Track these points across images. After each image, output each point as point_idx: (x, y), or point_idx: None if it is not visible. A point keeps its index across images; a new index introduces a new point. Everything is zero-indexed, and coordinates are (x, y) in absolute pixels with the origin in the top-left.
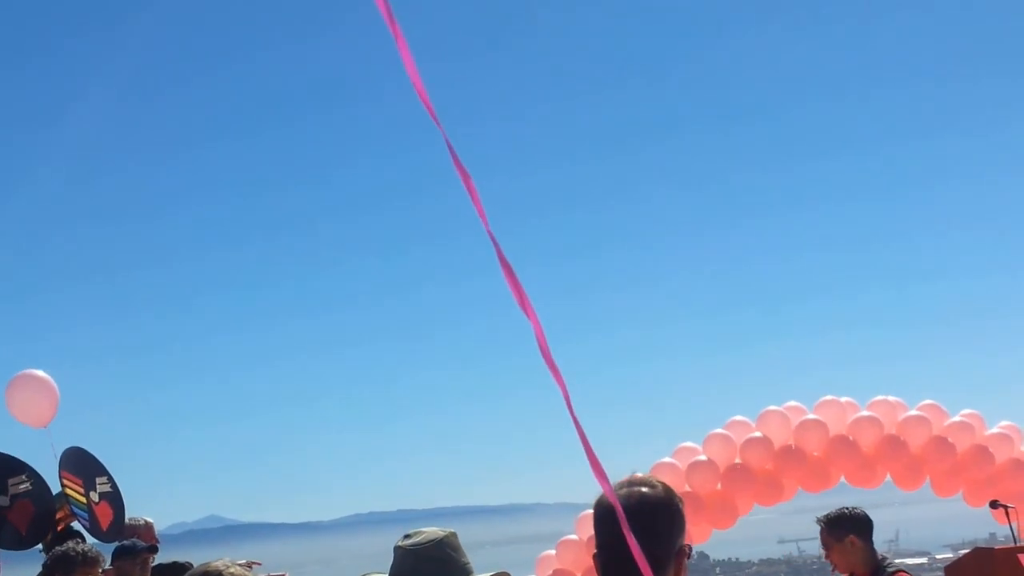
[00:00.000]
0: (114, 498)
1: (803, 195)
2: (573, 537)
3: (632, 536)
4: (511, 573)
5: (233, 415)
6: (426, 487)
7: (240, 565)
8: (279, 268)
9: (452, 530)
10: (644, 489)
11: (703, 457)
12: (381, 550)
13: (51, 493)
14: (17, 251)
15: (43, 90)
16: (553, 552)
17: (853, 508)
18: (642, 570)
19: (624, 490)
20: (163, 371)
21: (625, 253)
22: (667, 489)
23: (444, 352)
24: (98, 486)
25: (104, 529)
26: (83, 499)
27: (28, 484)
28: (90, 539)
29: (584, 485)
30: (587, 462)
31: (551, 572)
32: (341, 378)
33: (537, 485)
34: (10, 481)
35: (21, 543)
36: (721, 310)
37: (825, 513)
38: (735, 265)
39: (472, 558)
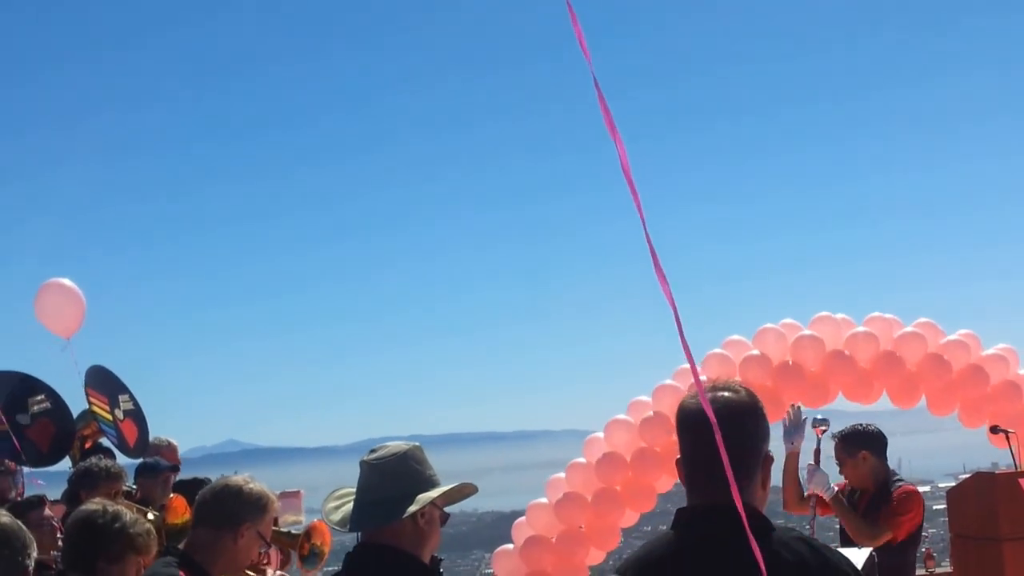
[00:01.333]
0: (137, 416)
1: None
2: (582, 460)
3: (721, 443)
4: (509, 494)
5: (250, 340)
6: (438, 413)
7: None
8: (300, 198)
9: (416, 444)
10: (728, 394)
11: (703, 378)
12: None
13: (70, 412)
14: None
15: None
16: (563, 475)
17: (867, 424)
18: (729, 479)
19: (708, 395)
20: (183, 296)
21: None
22: (751, 394)
23: (459, 279)
24: (121, 404)
25: (131, 446)
26: (109, 416)
27: (47, 403)
28: (120, 457)
29: (590, 412)
30: (677, 337)
31: (561, 495)
32: (355, 305)
33: (545, 413)
34: (30, 400)
35: (42, 460)
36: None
37: (840, 430)
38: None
39: (481, 483)
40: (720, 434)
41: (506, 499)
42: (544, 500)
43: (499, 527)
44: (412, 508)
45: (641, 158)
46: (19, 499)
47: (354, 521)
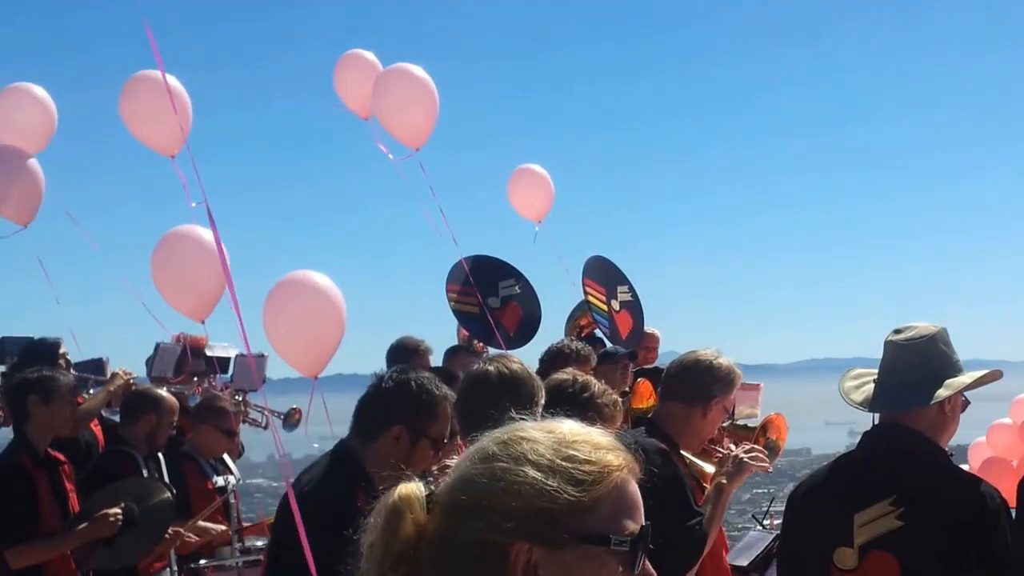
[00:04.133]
0: (634, 308)
1: None
2: (1007, 421)
3: None
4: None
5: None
6: (875, 337)
7: None
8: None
9: (943, 326)
10: None
11: None
12: (838, 397)
13: (537, 297)
14: None
15: None
16: (983, 439)
17: None
18: None
19: None
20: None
21: None
22: None
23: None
24: (619, 295)
25: (624, 337)
26: (604, 307)
27: (516, 287)
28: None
29: None
30: None
31: (980, 462)
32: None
33: (1003, 340)
34: (500, 284)
35: (510, 343)
36: None
37: None
38: None
39: None
40: None
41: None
42: (1008, 421)
43: None
44: (943, 393)
45: None
46: None
47: (877, 401)
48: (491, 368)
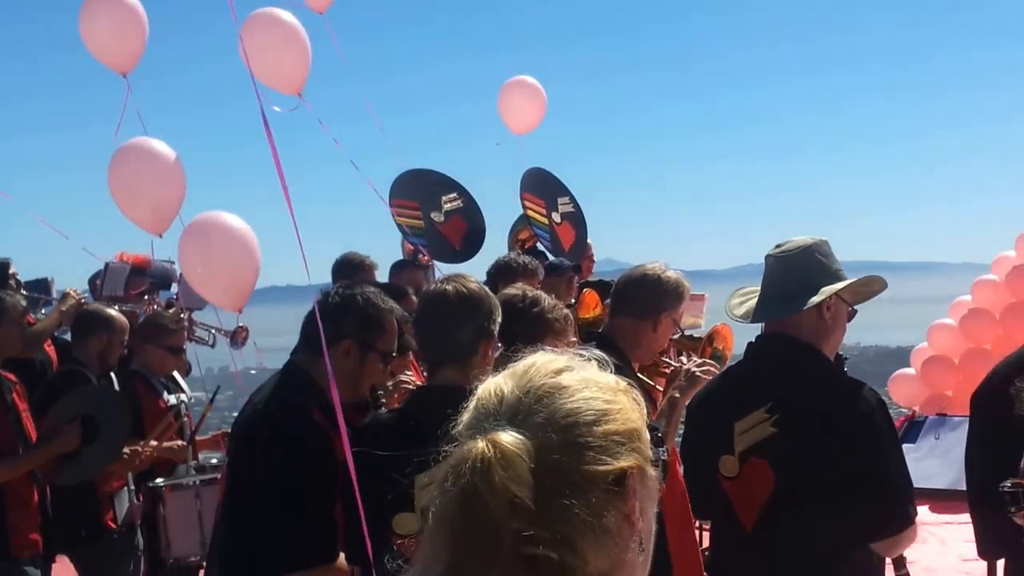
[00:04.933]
0: (576, 219)
1: None
2: (947, 322)
3: None
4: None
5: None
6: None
7: None
8: None
9: (823, 238)
10: None
11: None
12: None
13: (481, 211)
14: None
15: None
16: (968, 298)
17: None
18: None
19: None
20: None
21: None
22: None
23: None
24: (560, 207)
25: (566, 249)
26: (544, 220)
27: (459, 201)
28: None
29: (993, 244)
30: None
31: (922, 362)
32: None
33: (944, 243)
34: (444, 198)
35: (455, 256)
36: None
37: None
38: None
39: (865, 314)
40: None
41: (892, 334)
42: (948, 321)
43: (882, 363)
44: (814, 299)
45: None
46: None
47: (757, 313)
48: (448, 288)
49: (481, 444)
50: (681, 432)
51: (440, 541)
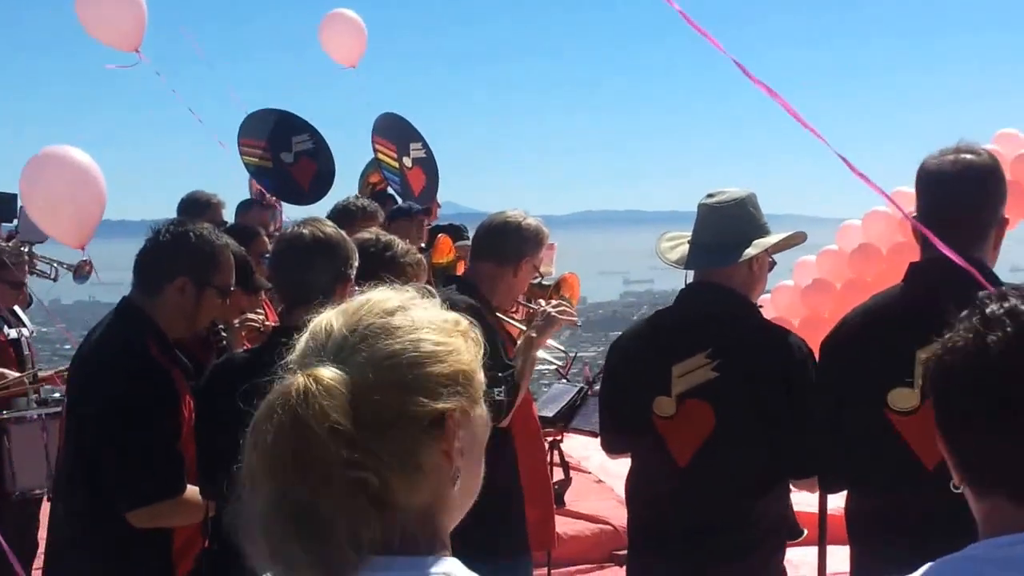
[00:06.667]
0: (428, 164)
1: None
2: (833, 247)
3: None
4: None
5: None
6: (660, 191)
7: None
8: None
9: (752, 191)
10: (970, 156)
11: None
12: (611, 248)
13: (330, 152)
14: None
15: None
16: (812, 258)
17: None
18: (951, 242)
19: (950, 156)
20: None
21: None
22: (992, 157)
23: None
24: (412, 152)
25: (416, 194)
26: (395, 164)
27: (310, 143)
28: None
29: (844, 198)
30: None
31: (811, 281)
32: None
33: (792, 197)
34: (294, 139)
35: (303, 198)
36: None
37: None
38: None
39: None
40: (954, 193)
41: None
42: (790, 283)
43: None
44: (750, 252)
45: None
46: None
47: (691, 260)
48: (305, 231)
49: (302, 378)
50: (600, 370)
51: (263, 468)
